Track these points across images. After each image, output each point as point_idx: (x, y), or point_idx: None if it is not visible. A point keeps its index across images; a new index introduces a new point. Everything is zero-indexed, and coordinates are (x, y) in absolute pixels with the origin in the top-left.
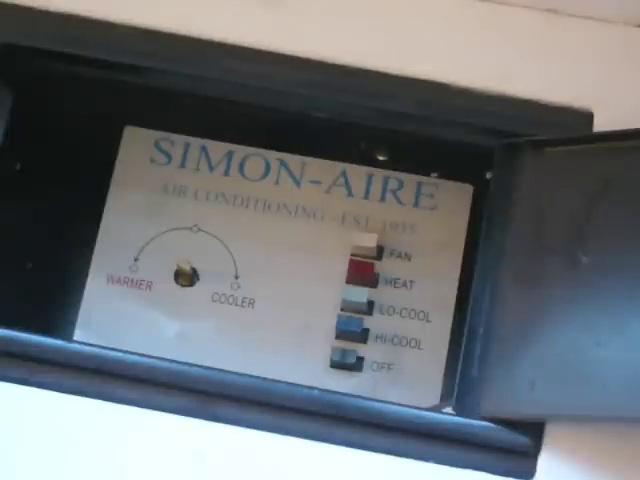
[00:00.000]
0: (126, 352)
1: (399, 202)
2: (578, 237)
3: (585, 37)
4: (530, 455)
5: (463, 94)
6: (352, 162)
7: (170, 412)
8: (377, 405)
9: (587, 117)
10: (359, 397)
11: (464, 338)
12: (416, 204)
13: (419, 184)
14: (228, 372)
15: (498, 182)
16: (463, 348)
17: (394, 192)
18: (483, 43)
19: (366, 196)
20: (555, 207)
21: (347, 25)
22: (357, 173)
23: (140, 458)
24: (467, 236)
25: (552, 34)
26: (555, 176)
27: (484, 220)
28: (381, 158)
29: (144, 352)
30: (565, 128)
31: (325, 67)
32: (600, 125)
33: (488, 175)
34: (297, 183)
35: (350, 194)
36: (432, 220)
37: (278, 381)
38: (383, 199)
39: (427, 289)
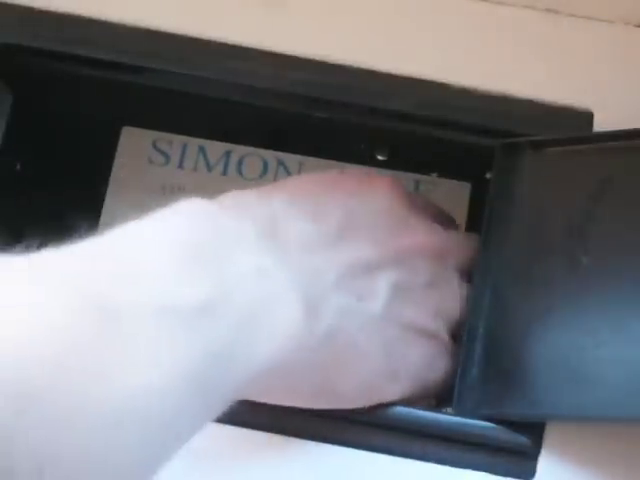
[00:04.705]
0: None
1: None
2: (578, 237)
3: (585, 37)
4: (530, 455)
5: (463, 94)
6: (352, 162)
7: None
8: (377, 405)
9: (587, 117)
10: None
11: (464, 338)
12: None
13: (417, 182)
14: None
15: (498, 182)
16: (463, 348)
17: None
18: (483, 43)
19: None
20: (555, 207)
21: (347, 25)
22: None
23: None
24: None
25: (552, 34)
26: (555, 176)
27: (484, 220)
28: (381, 158)
29: None
30: (565, 128)
31: (325, 67)
32: (600, 125)
33: (488, 175)
34: None
35: None
36: None
37: None
38: None
39: None
